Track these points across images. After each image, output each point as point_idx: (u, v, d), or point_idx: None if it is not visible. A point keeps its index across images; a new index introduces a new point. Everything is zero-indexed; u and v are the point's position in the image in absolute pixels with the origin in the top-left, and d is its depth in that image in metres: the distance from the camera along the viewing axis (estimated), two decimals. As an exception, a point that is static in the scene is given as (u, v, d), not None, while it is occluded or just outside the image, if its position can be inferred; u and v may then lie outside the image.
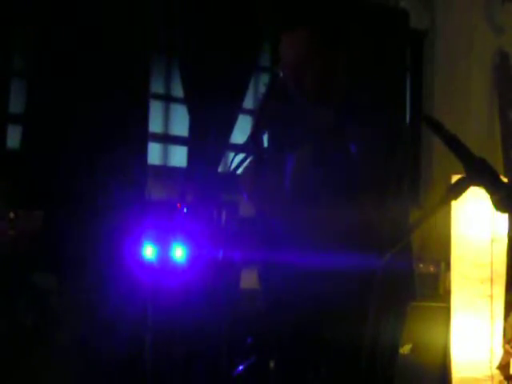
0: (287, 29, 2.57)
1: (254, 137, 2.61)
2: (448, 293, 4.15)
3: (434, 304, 4.30)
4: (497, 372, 4.09)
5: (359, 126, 2.60)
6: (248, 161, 2.61)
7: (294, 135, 2.69)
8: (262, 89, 4.44)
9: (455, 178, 1.99)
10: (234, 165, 2.59)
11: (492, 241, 4.00)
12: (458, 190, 1.95)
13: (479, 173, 1.92)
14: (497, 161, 4.59)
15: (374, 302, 2.56)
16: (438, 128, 1.93)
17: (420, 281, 4.32)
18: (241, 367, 3.98)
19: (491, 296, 3.96)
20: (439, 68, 5.01)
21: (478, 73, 4.84)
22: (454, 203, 3.79)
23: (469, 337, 4.07)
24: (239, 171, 2.60)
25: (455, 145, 1.95)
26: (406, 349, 4.21)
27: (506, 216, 4.05)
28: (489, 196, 1.93)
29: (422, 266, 4.34)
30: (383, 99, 3.57)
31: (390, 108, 2.90)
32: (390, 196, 2.55)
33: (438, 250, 4.42)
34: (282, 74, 2.58)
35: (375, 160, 2.58)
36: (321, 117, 2.65)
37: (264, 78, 4.84)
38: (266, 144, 2.75)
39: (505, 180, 1.93)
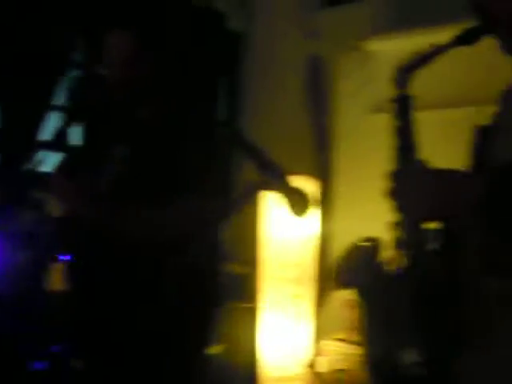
0: (111, 29, 2.58)
1: (63, 134, 2.60)
2: (257, 293, 4.19)
3: (242, 304, 4.33)
4: (306, 370, 4.17)
5: (175, 127, 2.63)
6: (60, 160, 2.60)
7: (112, 134, 2.69)
8: (72, 85, 4.35)
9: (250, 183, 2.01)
10: (39, 162, 2.57)
11: (300, 241, 4.07)
12: (249, 194, 2.00)
13: (274, 178, 1.96)
14: (309, 164, 4.68)
15: (174, 301, 2.57)
16: (237, 137, 1.98)
17: (229, 281, 4.35)
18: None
19: (299, 296, 4.02)
20: (254, 70, 5.04)
21: (291, 77, 4.90)
22: (262, 203, 3.84)
23: (277, 336, 4.12)
24: (51, 170, 2.58)
25: (252, 151, 1.99)
26: (217, 349, 4.21)
27: (315, 216, 4.14)
28: (284, 200, 1.99)
29: (231, 266, 4.35)
30: (197, 101, 3.57)
31: (203, 110, 2.93)
32: (194, 194, 2.57)
33: (248, 251, 4.45)
34: (105, 73, 2.58)
35: (187, 159, 2.60)
36: (143, 116, 2.66)
37: (74, 74, 4.73)
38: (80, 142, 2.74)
39: (300, 186, 1.98)
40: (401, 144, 1.88)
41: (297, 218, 2.13)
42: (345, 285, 1.92)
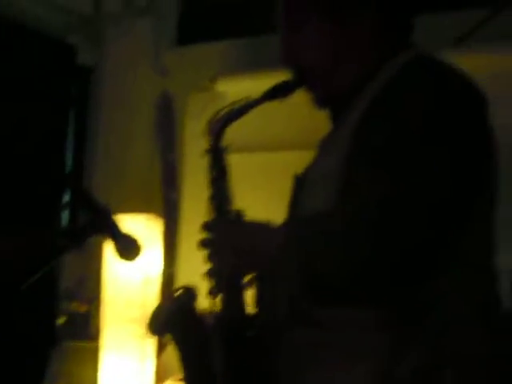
0: None
1: None
2: (100, 332, 4.11)
3: (85, 344, 4.24)
4: (147, 411, 4.11)
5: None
6: None
7: None
8: None
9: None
10: None
11: (144, 281, 4.03)
12: (78, 238, 2.00)
13: (103, 222, 1.98)
14: (158, 200, 4.65)
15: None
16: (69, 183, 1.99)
17: (73, 320, 4.26)
18: None
19: (142, 336, 3.97)
20: (105, 106, 4.99)
21: (142, 113, 4.88)
22: (107, 242, 3.76)
23: (119, 377, 4.05)
24: None
25: (83, 197, 2.00)
26: (56, 390, 4.10)
27: (158, 257, 4.12)
28: (112, 245, 2.01)
29: (75, 304, 4.27)
30: (43, 135, 3.50)
31: (46, 145, 2.88)
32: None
33: (92, 289, 4.37)
34: None
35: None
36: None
37: None
38: None
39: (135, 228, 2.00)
40: (215, 195, 1.91)
41: (126, 262, 2.13)
42: (158, 333, 1.93)
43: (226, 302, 1.84)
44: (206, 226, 1.83)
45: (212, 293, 1.85)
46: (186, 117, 4.53)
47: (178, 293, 1.94)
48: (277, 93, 1.89)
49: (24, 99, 3.22)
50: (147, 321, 1.92)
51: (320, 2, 1.80)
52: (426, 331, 1.57)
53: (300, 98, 1.97)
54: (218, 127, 1.92)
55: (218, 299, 1.85)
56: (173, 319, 1.90)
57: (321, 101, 1.89)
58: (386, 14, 1.79)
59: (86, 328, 4.28)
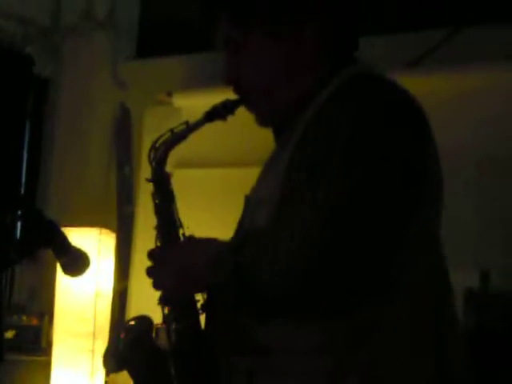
0: None
1: None
2: (51, 346, 4.07)
3: (35, 358, 4.19)
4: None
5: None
6: None
7: None
8: None
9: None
10: None
11: (96, 295, 4.00)
12: (25, 252, 1.96)
13: (50, 236, 1.93)
14: (113, 214, 4.61)
15: None
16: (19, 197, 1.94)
17: (23, 334, 4.20)
18: None
19: (93, 351, 3.94)
20: (61, 118, 4.94)
21: (99, 125, 4.84)
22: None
23: (69, 392, 4.01)
24: None
25: (31, 211, 1.97)
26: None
27: (110, 271, 4.08)
28: (57, 260, 1.96)
29: (25, 318, 4.21)
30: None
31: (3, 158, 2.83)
32: None
33: (44, 302, 4.32)
34: None
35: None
36: None
37: None
38: None
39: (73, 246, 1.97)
40: (162, 223, 1.88)
41: (70, 277, 2.08)
42: (114, 371, 1.87)
43: (180, 328, 1.81)
44: (150, 255, 1.80)
45: (166, 321, 1.82)
46: (143, 130, 4.50)
47: (132, 323, 1.88)
48: (217, 113, 1.86)
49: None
50: (102, 357, 1.86)
51: (256, 22, 1.78)
52: (368, 354, 1.55)
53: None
54: (159, 154, 1.89)
55: (173, 325, 1.82)
56: (128, 354, 1.84)
57: (261, 120, 1.88)
58: (326, 31, 1.77)
59: (36, 342, 4.23)
